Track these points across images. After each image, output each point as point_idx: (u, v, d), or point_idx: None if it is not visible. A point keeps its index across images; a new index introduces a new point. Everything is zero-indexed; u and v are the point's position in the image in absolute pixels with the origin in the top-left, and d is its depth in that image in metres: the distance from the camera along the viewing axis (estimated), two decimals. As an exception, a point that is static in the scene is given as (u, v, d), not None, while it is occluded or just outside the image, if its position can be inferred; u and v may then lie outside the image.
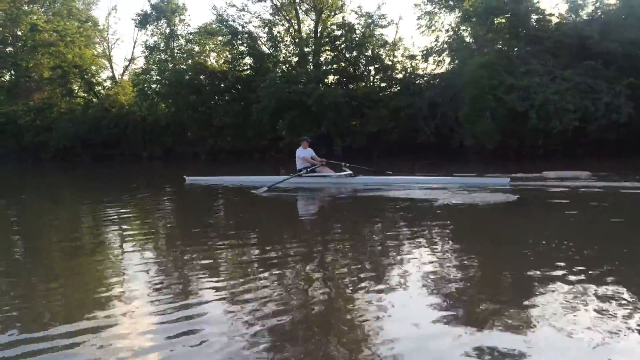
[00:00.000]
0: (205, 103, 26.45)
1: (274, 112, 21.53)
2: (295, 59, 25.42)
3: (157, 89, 28.19)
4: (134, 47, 40.14)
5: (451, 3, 23.82)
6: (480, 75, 15.17)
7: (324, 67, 23.39)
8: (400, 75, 23.54)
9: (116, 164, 27.44)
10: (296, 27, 26.86)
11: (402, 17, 34.31)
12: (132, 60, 35.97)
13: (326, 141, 21.41)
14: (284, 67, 25.59)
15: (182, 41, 29.94)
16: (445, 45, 23.65)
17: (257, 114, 21.80)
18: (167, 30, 29.84)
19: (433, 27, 24.97)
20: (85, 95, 35.72)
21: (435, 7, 24.56)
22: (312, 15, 26.37)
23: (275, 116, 21.82)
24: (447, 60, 24.48)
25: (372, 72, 23.44)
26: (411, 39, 69.92)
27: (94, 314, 3.00)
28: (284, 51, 25.99)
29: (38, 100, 35.83)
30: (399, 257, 4.31)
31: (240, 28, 25.54)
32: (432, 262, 4.08)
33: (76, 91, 35.58)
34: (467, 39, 22.90)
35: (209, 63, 27.35)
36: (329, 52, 24.23)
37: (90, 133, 29.91)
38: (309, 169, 9.86)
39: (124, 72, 35.93)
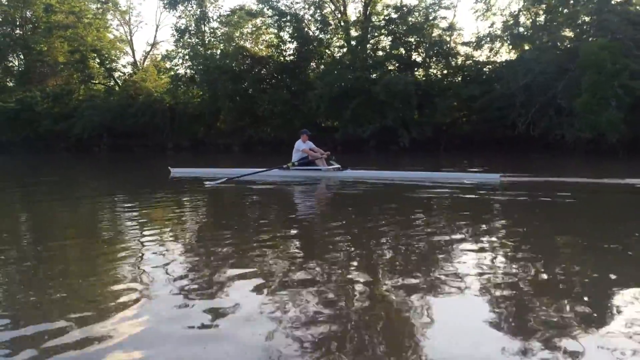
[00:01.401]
0: (245, 90, 24.50)
1: (333, 100, 19.63)
2: (348, 44, 23.51)
3: (193, 76, 26.05)
4: (156, 30, 37.88)
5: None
6: (602, 58, 13.37)
7: (381, 53, 21.45)
8: (459, 62, 21.67)
9: (139, 155, 25.38)
10: (342, 9, 24.96)
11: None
12: (154, 44, 33.94)
13: (388, 133, 19.62)
14: (335, 52, 23.69)
15: (214, 24, 27.94)
16: (503, 31, 22.01)
17: (316, 101, 19.89)
18: (199, 12, 27.80)
19: (490, 12, 23.30)
20: (106, 81, 33.61)
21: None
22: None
23: (334, 105, 19.90)
24: (502, 46, 23.14)
25: (434, 59, 21.48)
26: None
27: (112, 314, 2.69)
28: (331, 35, 23.95)
29: (53, 86, 33.66)
30: (432, 257, 3.87)
31: (286, 9, 23.50)
32: (472, 263, 3.62)
33: (95, 77, 33.42)
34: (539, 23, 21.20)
35: (251, 47, 25.22)
36: (383, 37, 22.28)
37: (116, 121, 27.88)
38: (296, 162, 9.65)
39: (145, 57, 33.83)
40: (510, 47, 22.79)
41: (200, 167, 11.20)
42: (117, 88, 32.62)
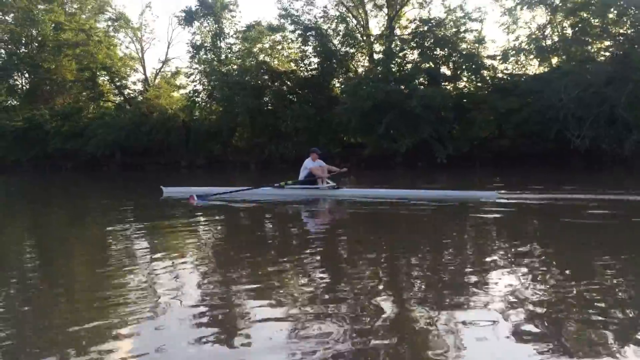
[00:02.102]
0: (266, 106, 23.79)
1: (364, 114, 18.91)
2: (371, 57, 22.94)
3: (211, 92, 25.36)
4: (168, 47, 37.26)
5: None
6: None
7: (409, 66, 20.83)
8: (491, 75, 21.07)
9: (150, 174, 24.44)
10: (363, 23, 24.47)
11: (486, 12, 30.54)
12: (166, 61, 33.24)
13: (423, 148, 18.87)
14: (358, 66, 23.10)
15: (231, 39, 27.37)
16: (528, 44, 21.59)
17: (346, 116, 19.18)
18: (215, 27, 27.25)
19: (515, 25, 22.90)
20: (117, 98, 32.87)
21: (517, 3, 22.29)
22: (384, 10, 23.98)
23: (365, 119, 19.17)
24: (528, 59, 22.70)
25: (465, 72, 20.87)
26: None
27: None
28: (357, 49, 23.39)
29: (60, 105, 32.86)
30: (454, 278, 3.66)
31: (310, 24, 22.94)
32: (496, 283, 3.43)
33: (106, 94, 32.68)
34: (569, 36, 20.75)
35: (272, 63, 24.58)
36: (410, 50, 21.68)
37: (129, 139, 27.06)
38: (300, 180, 9.47)
39: (157, 74, 33.14)
40: (538, 60, 22.38)
41: (216, 185, 10.50)
42: (127, 106, 31.91)
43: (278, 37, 25.37)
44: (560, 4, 21.08)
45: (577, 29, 20.32)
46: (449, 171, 17.64)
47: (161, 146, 27.33)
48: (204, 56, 27.45)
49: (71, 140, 28.75)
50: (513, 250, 4.56)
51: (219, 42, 27.39)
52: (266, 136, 24.23)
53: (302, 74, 23.99)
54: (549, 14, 21.88)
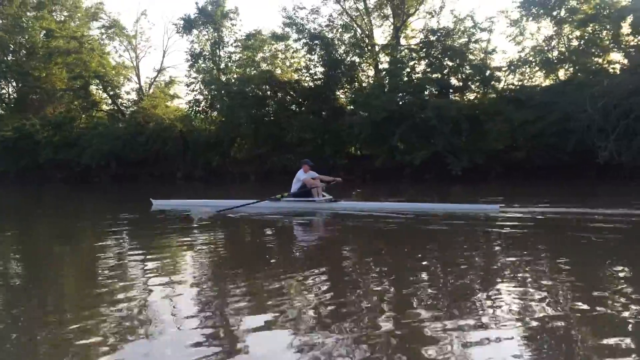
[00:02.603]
0: (269, 116, 23.22)
1: (375, 125, 18.43)
2: (376, 68, 22.56)
3: (212, 101, 24.69)
4: (163, 56, 36.47)
5: (541, 11, 21.53)
6: None
7: (418, 76, 20.44)
8: (503, 86, 20.80)
9: (144, 186, 23.62)
10: (367, 33, 24.11)
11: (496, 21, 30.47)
12: (160, 70, 32.47)
13: (434, 161, 18.43)
14: (364, 76, 22.70)
15: (230, 48, 26.77)
16: (534, 56, 21.48)
17: (357, 127, 18.69)
18: (215, 36, 26.65)
19: (522, 37, 22.79)
20: (109, 108, 31.94)
21: (524, 15, 22.18)
22: (390, 19, 23.68)
23: (377, 130, 18.69)
24: (533, 71, 22.54)
25: (476, 83, 20.54)
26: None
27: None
28: (364, 59, 22.99)
29: (51, 114, 31.80)
30: (460, 291, 3.61)
31: (315, 32, 22.49)
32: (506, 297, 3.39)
33: (99, 104, 31.74)
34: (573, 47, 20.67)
35: (275, 72, 24.02)
36: (418, 61, 21.31)
37: (125, 150, 26.22)
38: (295, 193, 9.31)
39: (152, 83, 32.33)
40: (543, 72, 22.23)
41: (211, 198, 10.54)
42: (120, 115, 31.03)
43: (281, 46, 24.86)
44: (566, 17, 21.02)
45: (584, 40, 20.22)
46: (460, 184, 17.22)
47: (157, 157, 26.54)
48: (202, 65, 26.80)
49: (63, 150, 27.81)
50: (516, 265, 4.50)
51: (218, 50, 26.78)
52: (269, 146, 23.58)
53: (306, 83, 23.46)
54: (554, 25, 21.81)
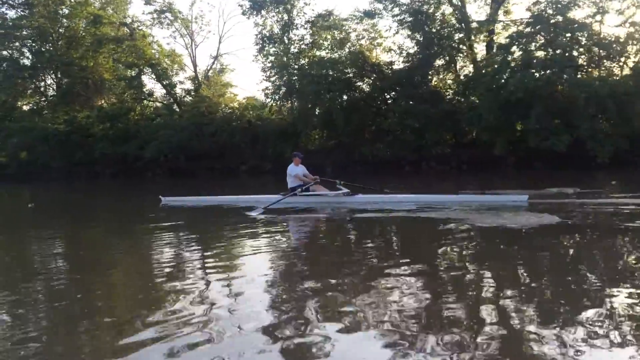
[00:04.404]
0: (359, 102, 21.07)
1: (504, 109, 16.22)
2: (480, 46, 20.34)
3: (291, 87, 22.53)
4: (219, 42, 34.43)
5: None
6: None
7: (540, 53, 18.11)
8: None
9: (208, 180, 21.39)
10: (460, 8, 21.79)
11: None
12: (217, 57, 30.35)
13: (578, 149, 16.06)
14: (464, 56, 20.46)
15: (302, 30, 24.57)
16: None
17: (482, 110, 16.53)
18: (285, 18, 24.50)
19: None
20: (164, 98, 29.93)
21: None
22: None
23: (502, 114, 16.50)
24: None
25: (603, 60, 18.19)
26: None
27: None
28: (472, 34, 20.60)
29: (100, 106, 29.81)
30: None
31: (410, 7, 20.27)
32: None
33: (154, 94, 29.76)
34: None
35: (366, 54, 21.77)
36: (533, 36, 18.92)
37: (192, 142, 24.23)
38: (303, 188, 8.73)
39: (208, 70, 30.22)
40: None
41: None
42: (175, 106, 29.03)
43: (366, 25, 22.56)
44: None
45: None
46: (615, 173, 14.87)
47: (222, 149, 24.52)
48: (273, 49, 24.69)
49: (119, 143, 25.86)
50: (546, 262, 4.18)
51: (290, 32, 24.62)
52: (354, 135, 21.40)
53: (399, 65, 21.26)
54: None
